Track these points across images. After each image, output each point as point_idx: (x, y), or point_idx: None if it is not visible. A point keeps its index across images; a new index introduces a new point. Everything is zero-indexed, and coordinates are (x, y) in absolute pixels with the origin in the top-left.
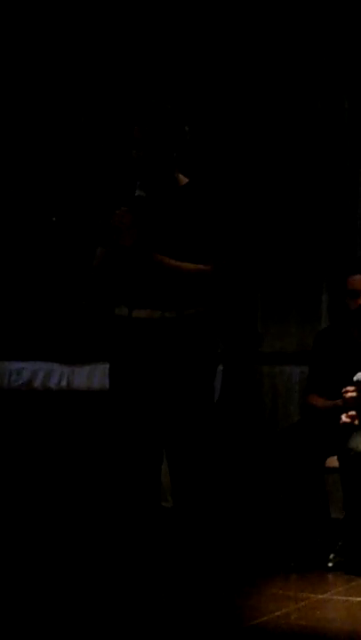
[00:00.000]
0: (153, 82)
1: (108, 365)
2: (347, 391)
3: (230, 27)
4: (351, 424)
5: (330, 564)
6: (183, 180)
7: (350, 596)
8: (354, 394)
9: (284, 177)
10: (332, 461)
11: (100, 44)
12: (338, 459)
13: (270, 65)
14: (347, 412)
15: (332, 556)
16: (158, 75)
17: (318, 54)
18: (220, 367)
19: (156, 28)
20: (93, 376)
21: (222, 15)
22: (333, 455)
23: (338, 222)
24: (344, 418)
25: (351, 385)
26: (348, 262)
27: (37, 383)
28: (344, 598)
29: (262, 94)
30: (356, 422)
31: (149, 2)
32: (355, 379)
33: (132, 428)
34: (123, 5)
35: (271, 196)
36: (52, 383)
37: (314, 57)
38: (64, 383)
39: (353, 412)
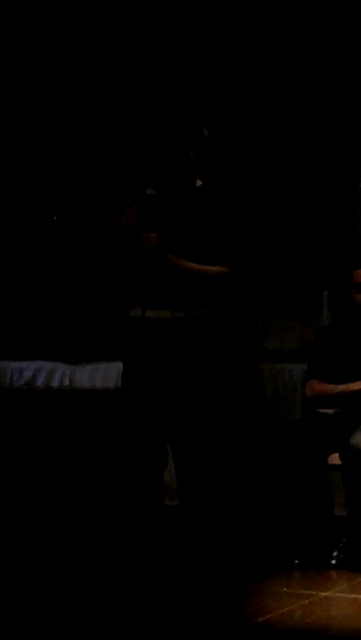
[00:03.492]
0: (160, 83)
1: (110, 364)
2: None
3: (234, 29)
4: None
5: (333, 562)
6: (198, 181)
7: (354, 593)
8: None
9: (285, 173)
10: (335, 458)
11: (102, 44)
12: (339, 456)
13: (273, 64)
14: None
15: (335, 553)
16: (164, 76)
17: (319, 55)
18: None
19: (162, 30)
20: (96, 375)
21: (225, 18)
22: (336, 452)
23: (338, 218)
24: None
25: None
26: (350, 257)
27: (39, 382)
28: (348, 596)
29: (264, 93)
30: None
31: (157, 4)
32: None
33: (141, 426)
34: (127, 6)
35: (271, 193)
36: (55, 382)
37: (315, 57)
38: (66, 382)
39: None
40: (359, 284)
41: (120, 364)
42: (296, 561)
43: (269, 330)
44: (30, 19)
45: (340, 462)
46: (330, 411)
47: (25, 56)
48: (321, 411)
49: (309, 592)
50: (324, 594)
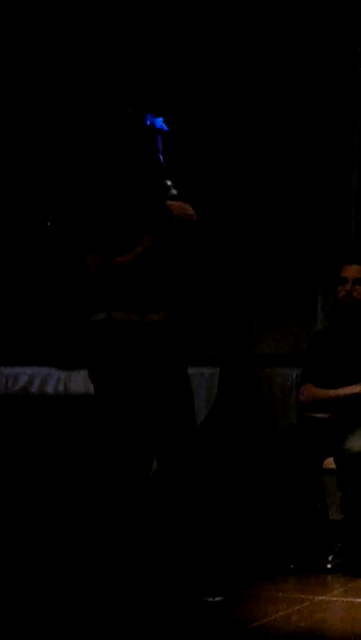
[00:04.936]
0: (151, 82)
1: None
2: None
3: (230, 24)
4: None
5: (329, 566)
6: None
7: (350, 597)
8: None
9: (279, 179)
10: (330, 463)
11: (98, 49)
12: (334, 460)
13: (268, 62)
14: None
15: (330, 557)
16: (158, 75)
17: (314, 54)
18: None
19: (157, 28)
20: (90, 381)
21: (223, 15)
22: (331, 456)
23: (331, 224)
24: None
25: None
26: (342, 261)
27: (34, 388)
28: (344, 600)
29: (257, 97)
30: None
31: (152, 2)
32: None
33: (141, 424)
34: (123, 6)
35: (266, 198)
36: (49, 388)
37: (310, 54)
38: (61, 388)
39: None
40: (343, 278)
41: None
42: (291, 565)
43: (264, 334)
44: (25, 26)
45: (334, 466)
46: (324, 415)
47: (18, 65)
48: (315, 415)
49: (305, 596)
50: (319, 598)
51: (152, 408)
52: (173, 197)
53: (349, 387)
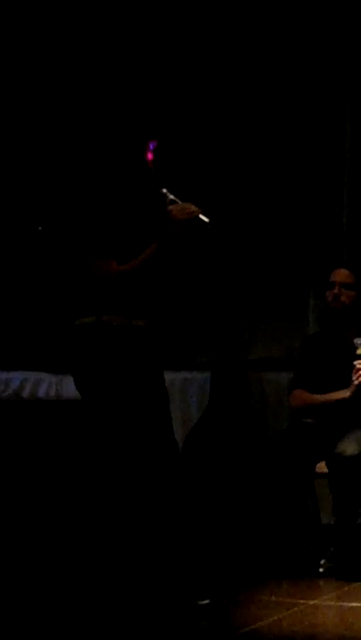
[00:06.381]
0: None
1: None
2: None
3: (228, 29)
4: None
5: (321, 570)
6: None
7: (342, 601)
8: None
9: (271, 184)
10: (322, 467)
11: (91, 53)
12: (326, 464)
13: (263, 68)
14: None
15: (323, 561)
16: (154, 83)
17: (312, 59)
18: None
19: (155, 32)
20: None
21: (222, 19)
22: (323, 460)
23: (324, 229)
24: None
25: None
26: (333, 266)
27: (26, 393)
28: (336, 604)
29: (247, 104)
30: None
31: (149, 3)
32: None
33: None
34: (121, 8)
35: (258, 204)
36: (41, 393)
37: (303, 60)
38: (53, 393)
39: None
40: (332, 282)
41: None
42: (284, 570)
43: (256, 338)
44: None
45: (326, 470)
46: (315, 420)
47: (17, 66)
48: (307, 420)
49: (297, 601)
50: (312, 602)
51: (133, 409)
52: (172, 202)
53: (339, 392)
